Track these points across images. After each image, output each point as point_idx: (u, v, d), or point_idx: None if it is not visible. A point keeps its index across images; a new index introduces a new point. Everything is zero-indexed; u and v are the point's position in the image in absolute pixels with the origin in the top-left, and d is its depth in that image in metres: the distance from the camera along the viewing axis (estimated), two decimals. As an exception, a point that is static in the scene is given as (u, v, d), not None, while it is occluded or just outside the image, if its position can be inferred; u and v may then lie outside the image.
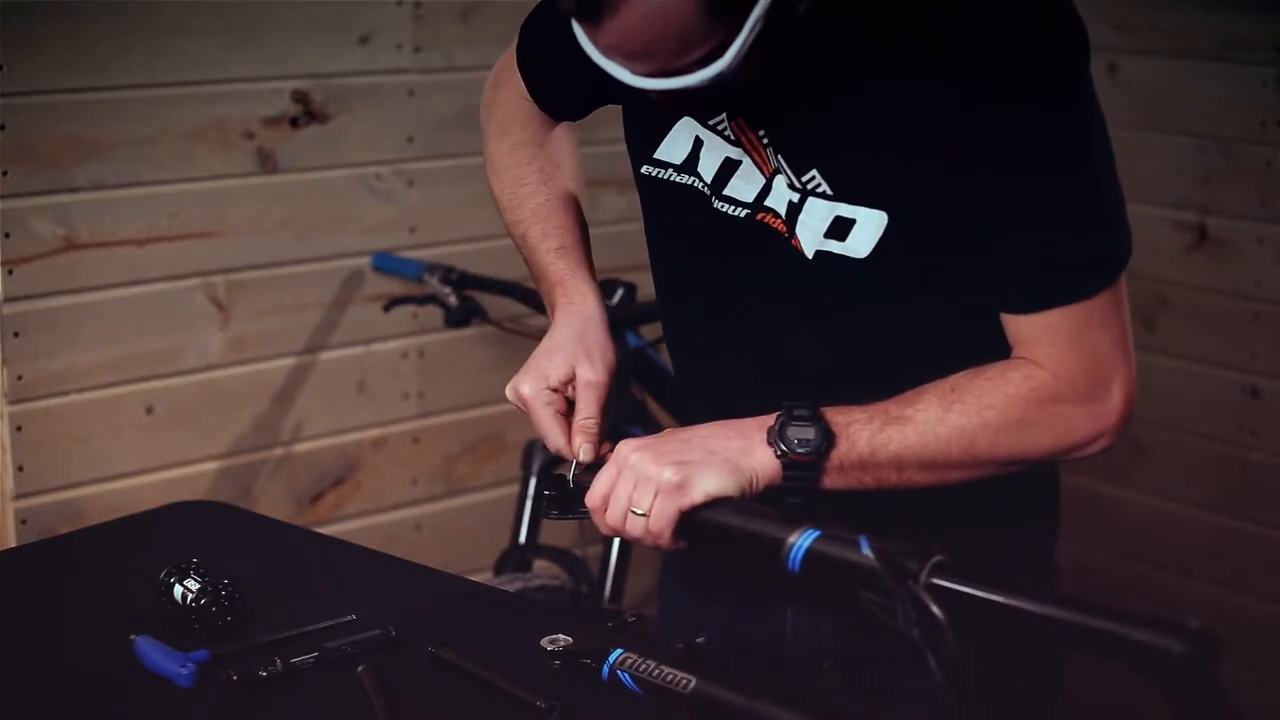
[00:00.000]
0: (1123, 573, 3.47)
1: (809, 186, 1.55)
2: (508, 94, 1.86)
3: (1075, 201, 1.50)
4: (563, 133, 1.83)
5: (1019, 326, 1.54)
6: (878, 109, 1.51)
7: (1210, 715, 1.19)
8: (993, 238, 1.50)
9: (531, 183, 1.80)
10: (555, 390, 1.63)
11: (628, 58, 1.41)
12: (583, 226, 1.78)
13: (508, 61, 1.85)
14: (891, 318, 1.58)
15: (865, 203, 1.53)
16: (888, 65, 1.50)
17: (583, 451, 1.59)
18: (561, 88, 1.79)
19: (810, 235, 1.56)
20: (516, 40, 1.83)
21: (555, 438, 1.61)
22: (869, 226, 1.53)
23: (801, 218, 1.56)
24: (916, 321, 1.58)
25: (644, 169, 1.68)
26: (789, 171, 1.57)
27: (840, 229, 1.54)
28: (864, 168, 1.53)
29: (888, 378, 1.55)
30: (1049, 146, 1.48)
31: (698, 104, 1.57)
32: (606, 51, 1.41)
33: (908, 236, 1.52)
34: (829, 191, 1.54)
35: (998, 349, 1.55)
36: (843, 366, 1.61)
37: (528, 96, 1.83)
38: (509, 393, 1.64)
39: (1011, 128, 1.47)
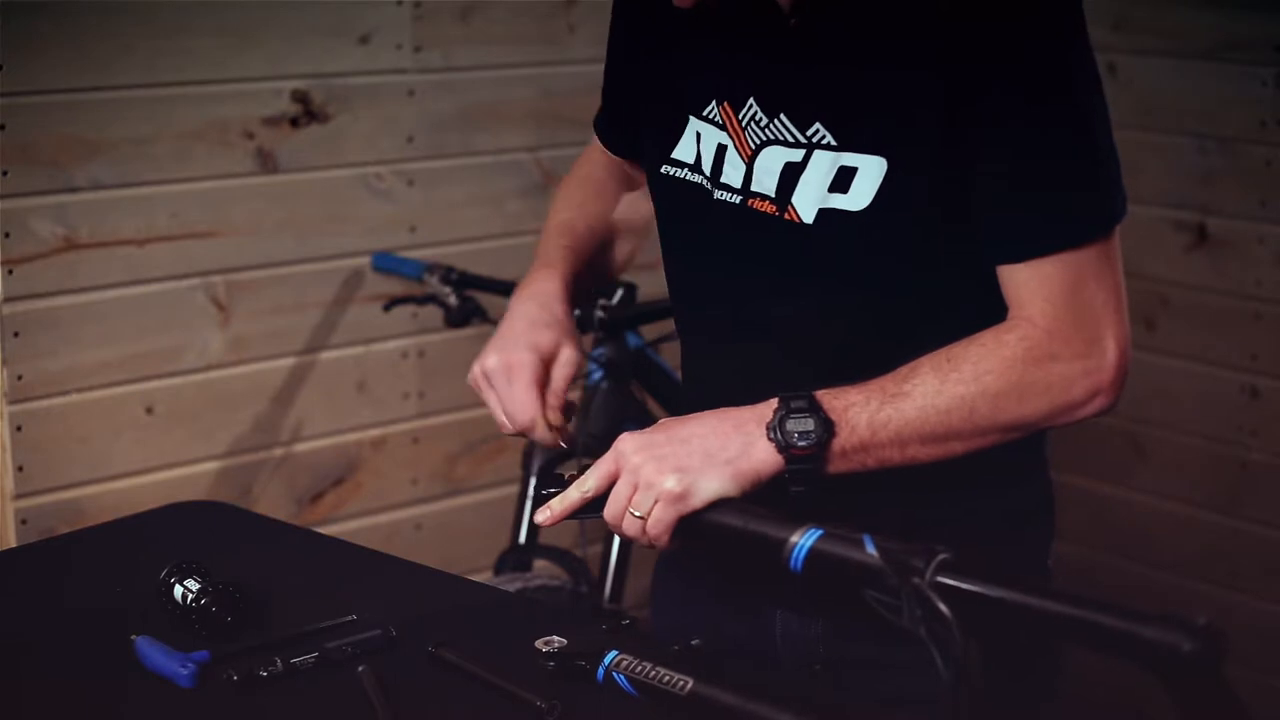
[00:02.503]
0: (1122, 573, 3.47)
1: (814, 140, 1.57)
2: (589, 155, 1.94)
3: (1070, 149, 1.52)
4: (637, 196, 1.89)
5: (1014, 281, 1.54)
6: (881, 54, 1.53)
7: (1218, 712, 1.19)
8: (989, 184, 1.52)
9: (574, 200, 1.88)
10: (543, 361, 1.67)
11: None
12: (599, 246, 1.85)
13: (591, 145, 1.94)
14: (892, 284, 1.58)
15: (867, 149, 1.54)
16: (892, 9, 1.52)
17: (552, 420, 1.63)
18: (626, 128, 1.84)
19: (813, 194, 1.57)
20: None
21: (530, 407, 1.64)
22: (869, 175, 1.54)
23: (805, 176, 1.57)
24: (918, 289, 1.59)
25: (663, 169, 1.71)
26: (791, 128, 1.58)
27: (843, 180, 1.55)
28: (866, 113, 1.54)
29: (893, 353, 1.55)
30: (1046, 92, 1.50)
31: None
32: None
33: (906, 184, 1.53)
34: (833, 142, 1.56)
35: (998, 319, 1.56)
36: (849, 344, 1.61)
37: (595, 151, 1.91)
38: (493, 360, 1.66)
39: (1009, 73, 1.49)
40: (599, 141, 1.92)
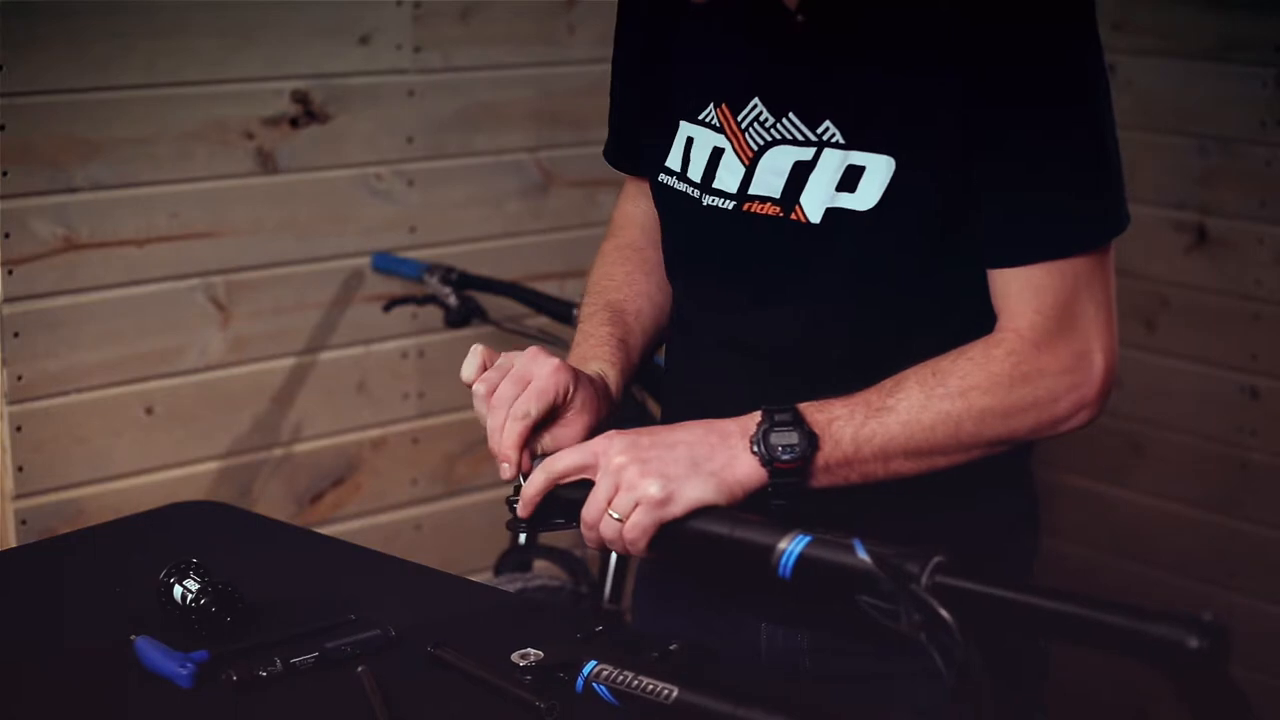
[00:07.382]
0: (1121, 573, 3.47)
1: (824, 138, 1.57)
2: (622, 203, 1.89)
3: (1077, 155, 1.52)
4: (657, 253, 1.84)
5: (1006, 289, 1.54)
6: (891, 51, 1.53)
7: (1224, 708, 1.19)
8: (992, 184, 1.52)
9: (617, 279, 1.81)
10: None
11: None
12: (642, 333, 1.78)
13: (621, 200, 1.90)
14: (894, 287, 1.58)
15: (876, 148, 1.54)
16: (902, 6, 1.52)
17: (508, 467, 1.59)
18: (636, 152, 1.81)
19: (821, 193, 1.56)
20: None
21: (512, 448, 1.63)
22: (877, 174, 1.54)
23: (814, 175, 1.57)
24: (918, 292, 1.58)
25: (659, 178, 1.70)
26: (801, 126, 1.58)
27: (850, 179, 1.55)
28: (876, 112, 1.54)
29: (886, 361, 1.54)
30: (1058, 96, 1.50)
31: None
32: None
33: (913, 184, 1.53)
34: (842, 140, 1.56)
35: (992, 328, 1.55)
36: (842, 353, 1.60)
37: (629, 205, 1.86)
38: (549, 369, 1.63)
39: (1021, 73, 1.49)
40: (627, 190, 1.86)
